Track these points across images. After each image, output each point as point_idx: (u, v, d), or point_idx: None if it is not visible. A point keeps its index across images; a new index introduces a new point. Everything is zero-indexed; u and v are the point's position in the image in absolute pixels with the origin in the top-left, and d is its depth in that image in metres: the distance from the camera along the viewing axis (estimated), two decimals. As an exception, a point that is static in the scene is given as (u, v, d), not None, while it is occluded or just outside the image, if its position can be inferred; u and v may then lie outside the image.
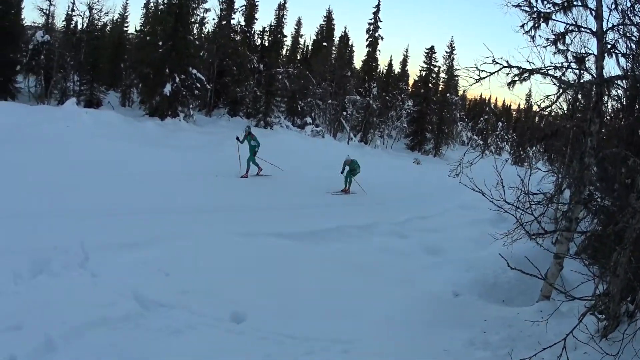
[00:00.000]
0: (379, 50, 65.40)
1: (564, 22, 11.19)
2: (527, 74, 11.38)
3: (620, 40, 10.90)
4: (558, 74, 11.42)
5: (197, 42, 45.59)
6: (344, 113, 61.26)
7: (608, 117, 13.18)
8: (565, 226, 11.05)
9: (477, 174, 10.32)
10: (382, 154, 53.90)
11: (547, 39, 11.34)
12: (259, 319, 8.63)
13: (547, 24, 11.31)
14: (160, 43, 41.10)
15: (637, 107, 12.19)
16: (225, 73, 51.69)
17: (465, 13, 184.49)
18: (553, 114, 14.37)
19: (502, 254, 8.30)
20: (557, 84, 11.53)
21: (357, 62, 71.01)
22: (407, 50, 78.45)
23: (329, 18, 68.04)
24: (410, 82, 76.39)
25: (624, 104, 12.50)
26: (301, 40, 70.84)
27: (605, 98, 11.76)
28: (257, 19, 55.53)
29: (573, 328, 7.06)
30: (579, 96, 14.07)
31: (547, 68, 11.30)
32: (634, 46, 10.96)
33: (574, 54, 11.39)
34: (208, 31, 52.27)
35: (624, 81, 11.43)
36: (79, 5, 48.69)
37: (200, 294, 9.13)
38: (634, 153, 10.10)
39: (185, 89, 41.86)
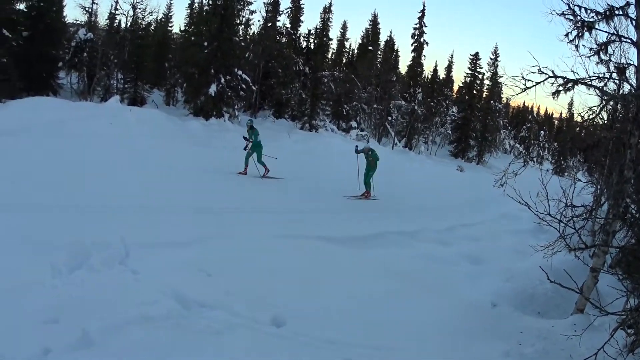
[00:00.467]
0: (424, 56, 64.47)
1: (606, 32, 10.92)
2: (571, 84, 11.15)
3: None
4: (600, 84, 11.12)
5: (242, 44, 44.60)
6: (389, 118, 59.48)
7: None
8: (603, 239, 10.86)
9: (519, 183, 10.62)
10: (425, 160, 52.30)
11: (591, 49, 11.08)
12: (299, 322, 8.31)
13: (590, 34, 11.07)
14: (205, 43, 40.55)
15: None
16: (270, 75, 50.51)
17: (510, 20, 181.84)
18: (594, 124, 13.71)
19: (541, 266, 8.84)
20: (600, 95, 11.27)
21: (403, 67, 69.77)
22: (452, 56, 75.74)
23: (374, 22, 66.84)
24: (455, 88, 74.46)
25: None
26: (347, 44, 69.41)
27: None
28: (302, 22, 54.50)
29: (604, 343, 7.22)
30: (619, 107, 13.18)
31: (591, 78, 11.04)
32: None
33: (616, 64, 11.06)
34: (253, 33, 51.23)
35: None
36: (122, 4, 47.46)
37: (242, 295, 8.76)
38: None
39: (230, 90, 41.31)
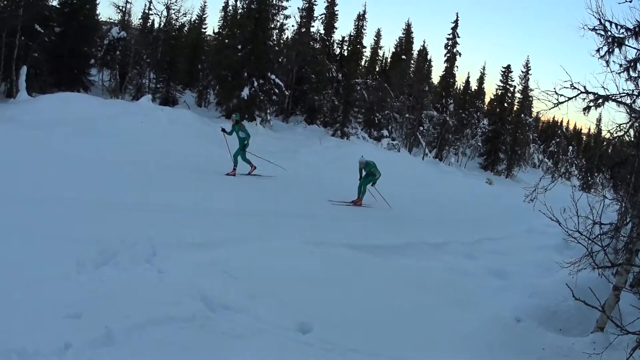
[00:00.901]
0: (457, 67, 63.60)
1: (635, 48, 10.87)
2: (601, 101, 11.13)
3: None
4: (629, 101, 11.08)
5: (276, 48, 44.16)
6: (421, 128, 58.16)
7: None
8: (626, 258, 10.69)
9: (547, 199, 10.67)
10: (455, 172, 51.21)
11: (620, 65, 10.93)
12: (325, 329, 8.10)
13: (620, 50, 10.94)
14: (239, 47, 40.21)
15: None
16: (303, 80, 48.80)
17: (542, 33, 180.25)
18: (621, 141, 13.43)
19: (567, 284, 8.79)
20: (629, 112, 11.31)
21: (435, 77, 68.02)
22: (484, 67, 74.29)
23: (407, 31, 65.21)
24: (487, 100, 73.26)
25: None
26: (380, 52, 68.52)
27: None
28: (336, 28, 53.20)
29: (624, 363, 7.24)
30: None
31: (620, 95, 10.98)
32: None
33: (645, 82, 10.84)
34: (287, 37, 50.54)
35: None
36: (156, 4, 47.87)
37: (268, 300, 8.61)
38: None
39: (263, 94, 40.75)
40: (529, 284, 12.78)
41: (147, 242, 9.60)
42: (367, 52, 60.70)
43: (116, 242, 9.27)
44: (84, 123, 23.96)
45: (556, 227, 9.17)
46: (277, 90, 41.76)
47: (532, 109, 66.67)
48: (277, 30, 45.54)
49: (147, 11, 47.49)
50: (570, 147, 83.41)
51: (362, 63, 58.30)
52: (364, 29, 52.59)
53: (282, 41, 48.32)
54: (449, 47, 61.14)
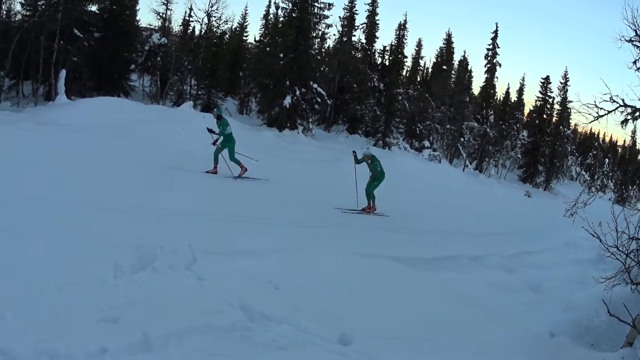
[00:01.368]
0: (497, 77, 61.25)
1: None
2: (638, 114, 11.15)
3: None
4: None
5: (318, 57, 43.71)
6: (461, 139, 56.33)
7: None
8: None
9: (584, 212, 10.87)
10: (495, 184, 49.90)
11: None
12: (365, 342, 7.60)
13: None
14: (281, 55, 39.39)
15: None
16: (345, 90, 48.02)
17: (581, 44, 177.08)
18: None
19: (603, 299, 8.56)
20: None
21: (475, 88, 66.08)
22: (523, 78, 72.51)
23: (448, 41, 63.31)
24: (526, 111, 71.25)
25: None
26: (421, 62, 66.87)
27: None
28: (377, 38, 52.00)
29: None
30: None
31: None
32: None
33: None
34: (328, 46, 49.95)
35: None
36: (196, 11, 48.13)
37: (309, 311, 8.09)
38: None
39: (305, 103, 40.05)
40: (564, 299, 12.28)
41: (186, 249, 9.27)
42: (409, 62, 59.52)
43: (155, 247, 8.93)
44: (123, 127, 23.44)
45: (591, 240, 9.43)
46: (319, 99, 40.95)
47: (571, 121, 65.06)
48: (318, 39, 45.04)
49: (187, 18, 47.59)
50: (607, 160, 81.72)
51: (404, 73, 57.61)
52: (405, 39, 51.61)
53: (323, 50, 47.88)
54: (489, 58, 59.37)
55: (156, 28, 44.91)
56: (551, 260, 17.17)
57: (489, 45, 58.78)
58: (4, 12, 36.95)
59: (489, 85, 60.59)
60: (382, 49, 53.08)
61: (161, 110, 31.53)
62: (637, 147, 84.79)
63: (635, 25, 10.25)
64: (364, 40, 51.00)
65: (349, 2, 49.99)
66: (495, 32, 58.35)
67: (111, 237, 9.36)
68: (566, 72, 64.88)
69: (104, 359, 5.71)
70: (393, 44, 51.58)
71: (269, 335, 7.11)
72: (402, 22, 51.22)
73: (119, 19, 39.41)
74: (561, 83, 64.40)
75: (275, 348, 6.85)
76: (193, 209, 13.42)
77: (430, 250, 14.50)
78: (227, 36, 52.99)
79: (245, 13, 58.02)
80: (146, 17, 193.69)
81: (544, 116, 63.69)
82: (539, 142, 62.13)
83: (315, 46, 43.73)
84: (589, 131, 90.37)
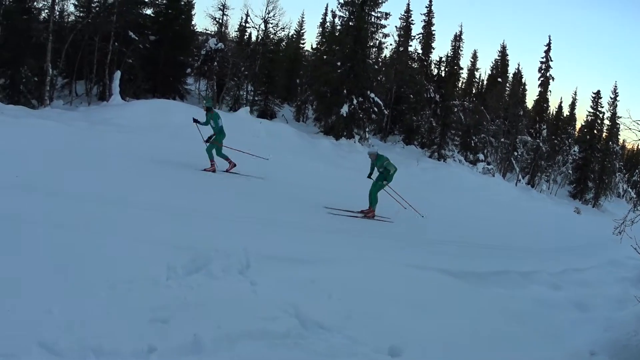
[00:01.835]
0: (550, 91, 58.17)
1: None
2: None
3: None
4: None
5: (375, 67, 42.17)
6: (515, 153, 53.76)
7: None
8: None
9: (629, 229, 10.79)
10: (546, 199, 48.63)
11: None
12: (414, 354, 7.11)
13: None
14: (338, 64, 38.26)
15: None
16: (402, 100, 46.29)
17: (632, 58, 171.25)
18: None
19: (638, 317, 9.05)
20: None
21: (529, 102, 62.72)
22: (575, 92, 69.05)
23: (503, 53, 60.19)
24: (577, 126, 67.96)
25: None
26: (477, 74, 62.86)
27: None
28: (433, 49, 49.42)
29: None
30: None
31: None
32: None
33: None
34: (385, 56, 48.15)
35: None
36: (253, 17, 47.68)
37: (362, 321, 7.52)
38: None
39: (362, 112, 38.52)
40: (606, 317, 11.49)
41: (241, 253, 8.87)
42: (464, 74, 56.96)
43: (209, 250, 8.55)
44: (178, 130, 22.61)
45: (636, 259, 10.00)
46: (376, 109, 39.30)
47: (619, 137, 62.90)
48: (375, 49, 43.24)
49: (243, 24, 47.33)
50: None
51: (459, 84, 55.13)
52: (461, 50, 49.34)
53: (380, 60, 46.07)
54: (542, 71, 56.63)
55: (212, 33, 43.78)
56: (597, 278, 16.27)
57: (542, 58, 56.20)
58: (57, 13, 35.55)
59: (542, 99, 57.87)
60: (438, 59, 50.20)
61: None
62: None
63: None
64: (420, 51, 49.02)
65: (405, 12, 48.58)
66: (548, 45, 55.79)
67: (164, 238, 8.99)
68: (615, 86, 62.20)
69: (151, 358, 5.50)
70: (449, 55, 49.28)
71: (322, 344, 6.79)
72: (458, 33, 49.24)
73: (174, 23, 38.98)
74: (611, 98, 61.70)
75: (327, 356, 6.58)
76: (245, 213, 12.92)
77: (481, 264, 13.91)
78: (284, 43, 52.01)
79: (302, 20, 57.34)
80: (202, 22, 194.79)
81: (595, 131, 61.00)
82: (589, 158, 59.65)
83: (372, 55, 41.78)
84: (636, 147, 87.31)
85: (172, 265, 7.73)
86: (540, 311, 11.55)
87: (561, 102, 66.53)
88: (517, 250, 18.28)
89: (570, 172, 61.21)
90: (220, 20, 44.42)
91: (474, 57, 58.92)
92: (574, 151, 60.92)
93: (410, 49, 48.78)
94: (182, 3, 40.90)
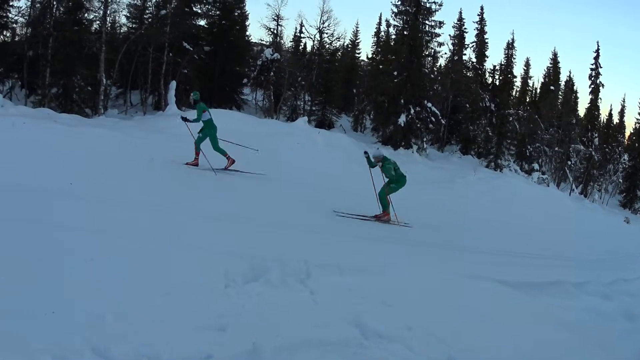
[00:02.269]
0: (600, 98, 55.03)
1: None
2: None
3: None
4: None
5: (431, 75, 41.06)
6: (568, 162, 50.83)
7: None
8: None
9: None
10: (597, 209, 45.56)
11: None
12: None
13: None
14: (395, 73, 36.94)
15: None
16: (458, 109, 44.14)
17: None
18: None
19: None
20: None
21: (580, 109, 59.84)
22: (623, 99, 66.01)
23: (554, 61, 56.93)
24: (627, 134, 64.58)
25: None
26: (530, 82, 60.37)
27: None
28: (487, 57, 46.78)
29: None
30: None
31: None
32: None
33: None
34: (440, 65, 46.21)
35: None
36: (308, 28, 46.67)
37: (420, 331, 7.04)
38: None
39: (419, 121, 37.07)
40: None
41: (300, 263, 8.14)
42: (518, 82, 54.47)
43: (268, 259, 7.92)
44: (237, 140, 20.91)
45: None
46: (433, 119, 37.67)
47: None
48: (430, 58, 41.65)
49: (298, 34, 46.27)
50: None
51: (513, 93, 52.44)
52: (514, 58, 46.77)
53: (435, 69, 44.45)
54: (592, 78, 53.27)
55: (267, 43, 42.95)
56: (642, 288, 16.07)
57: (592, 65, 52.92)
58: (109, 24, 35.30)
59: (593, 106, 54.72)
60: (492, 68, 47.38)
61: (275, 124, 30.74)
62: None
63: None
64: (474, 59, 46.53)
65: (458, 21, 46.39)
66: (597, 51, 52.49)
67: (222, 247, 8.50)
68: (662, 92, 58.78)
69: (209, 366, 5.30)
70: (502, 63, 46.55)
71: (382, 354, 6.25)
72: (510, 40, 46.74)
73: (228, 34, 38.08)
74: (659, 104, 57.59)
75: (387, 366, 6.23)
76: (304, 222, 12.45)
77: (535, 274, 12.87)
78: (339, 53, 50.43)
79: (357, 30, 56.64)
80: (256, 32, 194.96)
81: (644, 139, 57.02)
82: (638, 166, 55.83)
83: (428, 65, 40.38)
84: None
85: (230, 273, 7.37)
86: (590, 321, 10.71)
87: (611, 110, 63.34)
88: (569, 260, 17.28)
89: (621, 180, 57.70)
90: (275, 31, 43.60)
91: (527, 65, 56.79)
92: (624, 160, 57.26)
93: (464, 57, 46.37)
94: (236, 14, 40.13)
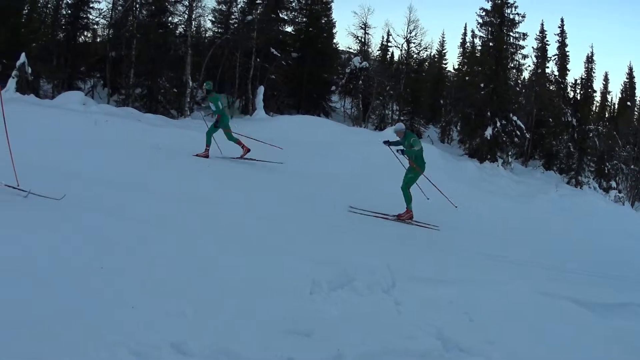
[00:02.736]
0: None
1: None
2: None
3: None
4: None
5: (517, 88, 38.07)
6: None
7: None
8: None
9: None
10: None
11: None
12: None
13: None
14: (481, 85, 34.86)
15: None
16: (541, 123, 41.47)
17: None
18: None
19: None
20: None
21: None
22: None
23: (630, 75, 53.54)
24: None
25: None
26: (609, 97, 57.04)
27: None
28: (569, 70, 43.56)
29: None
30: None
31: None
32: None
33: None
34: (524, 78, 42.85)
35: None
36: (395, 37, 44.93)
37: (501, 347, 6.52)
38: None
39: (505, 135, 34.39)
40: None
41: (386, 272, 7.90)
42: (597, 97, 50.88)
43: (354, 267, 7.71)
44: (323, 147, 22.37)
45: None
46: (518, 132, 34.87)
47: None
48: (515, 70, 38.48)
49: (385, 43, 44.93)
50: None
51: (593, 108, 48.91)
52: (593, 72, 43.66)
53: (520, 82, 41.22)
54: (663, 92, 49.72)
55: (355, 51, 41.48)
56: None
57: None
58: (194, 29, 34.38)
59: (663, 121, 50.33)
60: (573, 82, 44.42)
61: (363, 133, 29.61)
62: None
63: None
64: (556, 72, 43.44)
65: (540, 33, 43.24)
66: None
67: (309, 253, 8.33)
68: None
69: (291, 369, 5.16)
70: (583, 77, 43.44)
71: None
72: (589, 54, 43.70)
73: (316, 41, 37.28)
74: None
75: (468, 379, 6.06)
76: (387, 232, 12.17)
77: (608, 295, 11.27)
78: (426, 63, 47.92)
79: (443, 40, 52.63)
80: (344, 40, 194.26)
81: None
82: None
83: (513, 77, 37.60)
84: None
85: (316, 280, 7.04)
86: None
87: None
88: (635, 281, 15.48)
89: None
90: (363, 39, 42.28)
91: (606, 79, 53.07)
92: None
93: (547, 70, 43.43)
94: (323, 22, 39.13)
